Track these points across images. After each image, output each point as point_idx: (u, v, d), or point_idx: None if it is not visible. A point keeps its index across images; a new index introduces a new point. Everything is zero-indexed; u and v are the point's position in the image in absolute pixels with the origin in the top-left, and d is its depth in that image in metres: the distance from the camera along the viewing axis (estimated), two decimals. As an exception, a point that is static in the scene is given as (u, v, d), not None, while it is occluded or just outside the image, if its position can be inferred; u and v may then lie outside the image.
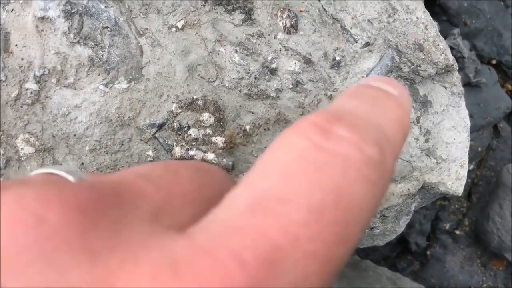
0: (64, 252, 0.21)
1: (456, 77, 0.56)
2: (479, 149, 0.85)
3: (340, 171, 0.25)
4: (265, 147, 0.50)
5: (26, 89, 0.47)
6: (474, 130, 0.79)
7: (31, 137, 0.48)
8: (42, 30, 0.47)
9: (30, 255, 0.21)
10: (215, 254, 0.22)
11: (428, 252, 0.90)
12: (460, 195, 0.56)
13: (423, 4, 0.58)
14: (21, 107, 0.47)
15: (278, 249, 0.23)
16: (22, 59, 0.47)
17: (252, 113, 0.50)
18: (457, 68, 0.55)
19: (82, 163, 0.49)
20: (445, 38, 0.78)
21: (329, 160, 0.26)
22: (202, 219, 0.25)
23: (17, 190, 0.23)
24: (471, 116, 0.60)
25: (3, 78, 0.47)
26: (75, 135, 0.48)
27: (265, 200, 0.24)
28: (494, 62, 0.82)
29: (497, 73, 0.82)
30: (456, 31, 0.78)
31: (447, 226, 0.88)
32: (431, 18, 0.56)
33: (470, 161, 0.61)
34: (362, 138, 0.27)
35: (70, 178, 0.28)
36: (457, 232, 0.89)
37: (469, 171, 0.56)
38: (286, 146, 0.27)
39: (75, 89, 0.47)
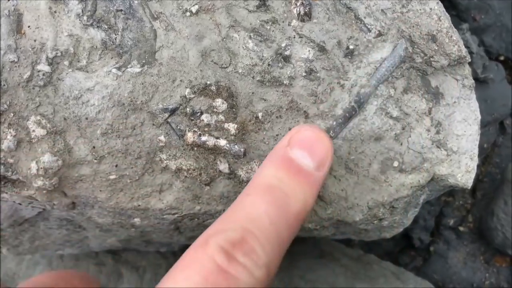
0: None
1: (468, 69, 0.56)
2: (485, 145, 0.85)
3: None
4: (277, 135, 0.50)
5: (38, 71, 0.46)
6: (480, 126, 0.78)
7: (42, 119, 0.47)
8: (55, 12, 0.47)
9: None
10: None
11: (431, 248, 0.89)
12: (469, 188, 0.55)
13: (436, -4, 0.57)
14: (33, 88, 0.47)
15: None
16: (35, 40, 0.46)
17: (265, 100, 0.49)
18: (469, 60, 0.55)
19: (94, 147, 0.48)
20: (454, 33, 0.77)
21: (226, 283, 0.35)
22: None
23: None
24: (477, 112, 0.60)
25: (15, 59, 0.46)
26: (86, 118, 0.48)
27: None
28: (502, 58, 0.82)
29: (504, 69, 0.82)
30: (465, 26, 0.78)
31: (451, 222, 0.88)
32: (444, 10, 0.55)
33: (475, 157, 0.62)
34: (256, 264, 0.37)
35: None
36: (461, 228, 0.88)
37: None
38: (195, 266, 0.36)
39: (88, 72, 0.47)
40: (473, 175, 0.55)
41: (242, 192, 0.43)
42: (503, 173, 0.84)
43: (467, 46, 0.79)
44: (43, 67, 0.46)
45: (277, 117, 0.50)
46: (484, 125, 0.83)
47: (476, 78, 0.79)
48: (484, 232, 0.85)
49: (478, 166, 0.85)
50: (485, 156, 0.87)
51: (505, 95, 0.82)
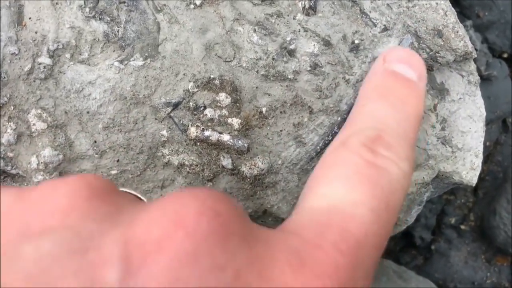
0: (234, 239, 0.27)
1: (473, 65, 0.55)
2: (487, 143, 0.85)
3: (387, 183, 0.35)
4: (281, 131, 0.49)
5: (39, 64, 0.46)
6: (483, 124, 0.78)
7: (43, 113, 0.47)
8: (57, 3, 0.46)
9: (213, 239, 0.26)
10: (323, 247, 0.30)
11: (432, 247, 0.89)
12: (474, 185, 0.55)
13: (442, -9, 0.57)
14: (34, 81, 0.46)
15: (358, 241, 0.31)
16: (36, 32, 0.46)
17: (269, 95, 0.49)
18: (476, 55, 0.54)
19: (95, 141, 0.47)
20: (457, 30, 0.77)
21: (379, 174, 0.35)
22: (291, 219, 0.34)
23: (191, 192, 0.29)
24: (480, 110, 0.60)
25: (16, 51, 0.45)
26: (88, 112, 0.47)
27: (340, 204, 0.33)
28: (505, 55, 0.82)
29: (508, 66, 0.81)
30: (469, 23, 0.77)
31: (453, 220, 0.88)
32: (450, 5, 0.55)
33: (478, 155, 0.61)
34: (398, 157, 0.37)
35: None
36: (463, 227, 0.88)
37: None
38: (344, 163, 0.36)
39: (89, 65, 0.46)
40: (477, 173, 0.55)
41: (355, 105, 0.44)
42: (506, 172, 0.83)
43: (471, 43, 0.78)
44: (44, 59, 0.46)
45: (281, 112, 0.49)
46: (486, 123, 0.82)
47: (479, 76, 0.78)
48: (486, 231, 0.85)
49: (481, 162, 0.85)
50: (488, 154, 0.86)
51: (508, 93, 0.82)
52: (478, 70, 0.78)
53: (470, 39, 0.78)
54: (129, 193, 0.38)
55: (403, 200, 0.37)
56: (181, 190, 0.32)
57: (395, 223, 0.58)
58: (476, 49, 0.77)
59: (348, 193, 0.34)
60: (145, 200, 0.37)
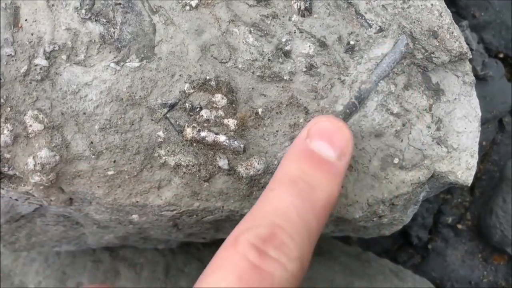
0: None
1: (468, 66, 0.55)
2: (483, 143, 0.85)
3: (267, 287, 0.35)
4: (277, 131, 0.49)
5: (36, 65, 0.46)
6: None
7: (39, 114, 0.47)
8: (53, 5, 0.46)
9: None
10: None
11: (429, 246, 0.89)
12: (469, 185, 0.55)
13: (437, -8, 0.57)
14: (30, 83, 0.46)
15: None
16: (32, 34, 0.46)
17: (265, 96, 0.49)
18: (471, 56, 0.55)
19: (91, 142, 0.48)
20: (453, 30, 0.77)
21: (260, 279, 0.35)
22: None
23: None
24: (476, 109, 0.60)
25: (12, 53, 0.46)
26: (84, 113, 0.47)
27: None
28: (501, 55, 0.82)
29: (504, 66, 0.81)
30: (465, 23, 0.78)
31: (449, 220, 0.88)
32: (445, 6, 0.55)
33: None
34: (288, 257, 0.36)
35: None
36: (459, 226, 0.88)
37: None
38: (228, 266, 0.36)
39: (86, 66, 0.46)
40: (473, 172, 0.55)
41: (266, 188, 0.42)
42: (502, 171, 0.84)
43: (467, 43, 0.78)
44: (41, 61, 0.46)
45: (277, 113, 0.49)
46: (483, 122, 0.82)
47: (475, 75, 0.78)
48: (483, 230, 0.85)
49: (476, 164, 0.85)
50: (484, 153, 0.87)
51: (504, 93, 0.82)
52: (474, 70, 0.78)
53: (466, 39, 0.78)
54: None
55: None
56: None
57: (392, 222, 0.59)
58: (472, 49, 0.78)
59: None
60: None
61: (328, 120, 0.44)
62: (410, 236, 0.88)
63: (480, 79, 0.80)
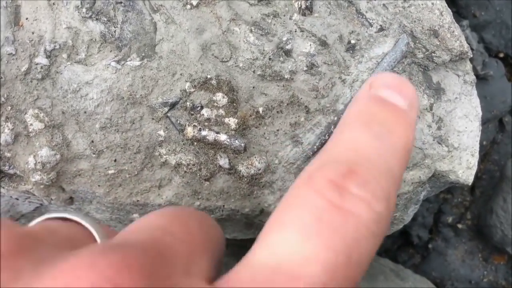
0: None
1: (469, 65, 0.55)
2: (484, 142, 0.85)
3: (352, 230, 0.29)
4: (278, 130, 0.49)
5: (36, 64, 0.46)
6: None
7: (40, 113, 0.47)
8: (53, 4, 0.46)
9: None
10: None
11: (429, 245, 0.89)
12: (470, 184, 0.55)
13: (438, -9, 0.57)
14: (31, 81, 0.46)
15: None
16: (33, 32, 0.46)
17: (266, 94, 0.49)
18: (471, 55, 0.55)
19: (92, 141, 0.48)
20: (453, 29, 0.77)
21: (344, 220, 0.29)
22: (228, 275, 0.29)
23: (89, 257, 0.25)
24: (477, 109, 0.60)
25: (13, 51, 0.46)
26: (85, 112, 0.47)
27: (288, 261, 0.28)
28: (501, 55, 0.82)
29: (504, 66, 0.81)
30: (465, 22, 0.78)
31: (450, 219, 0.88)
32: (446, 5, 0.55)
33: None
34: (373, 195, 0.30)
35: (97, 237, 0.33)
36: (459, 225, 0.88)
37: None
38: (303, 204, 0.30)
39: (86, 65, 0.46)
40: (474, 172, 0.55)
41: (334, 131, 0.37)
42: (502, 171, 0.84)
43: (467, 43, 0.78)
44: (41, 60, 0.46)
45: (278, 112, 0.49)
46: (483, 122, 0.83)
47: (476, 75, 0.78)
48: (483, 230, 0.85)
49: (477, 162, 0.85)
50: (484, 153, 0.87)
51: (505, 92, 0.82)
52: (475, 69, 0.78)
53: (467, 39, 0.78)
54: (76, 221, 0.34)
55: (374, 249, 0.30)
56: (83, 254, 0.26)
57: (392, 222, 0.58)
58: (472, 49, 0.78)
59: (301, 245, 0.28)
60: (90, 229, 0.34)
61: (390, 74, 0.40)
62: (411, 236, 0.88)
63: (481, 79, 0.80)
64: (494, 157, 0.87)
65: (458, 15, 0.81)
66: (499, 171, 0.86)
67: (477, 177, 0.87)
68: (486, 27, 0.81)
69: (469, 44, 0.79)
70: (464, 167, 0.54)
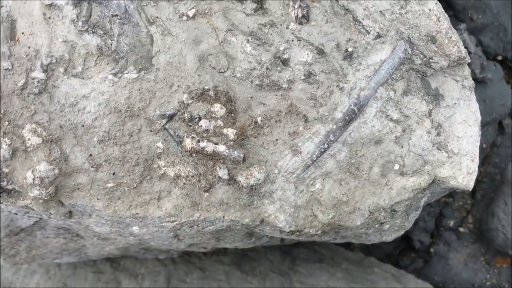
0: None
1: (467, 70, 0.55)
2: (484, 145, 0.85)
3: None
4: (276, 140, 0.49)
5: (33, 78, 0.46)
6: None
7: (38, 128, 0.46)
8: (49, 18, 0.46)
9: None
10: None
11: (431, 250, 0.89)
12: (470, 190, 0.55)
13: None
14: (28, 96, 0.46)
15: None
16: (29, 47, 0.46)
17: (264, 104, 0.49)
18: (469, 60, 0.54)
19: (90, 155, 0.47)
20: (451, 33, 0.77)
21: None
22: None
23: None
24: (476, 112, 0.60)
25: (9, 66, 0.45)
26: (83, 126, 0.47)
27: None
28: (499, 58, 0.82)
29: (502, 69, 0.81)
30: (463, 26, 0.78)
31: (451, 223, 0.88)
32: (443, 10, 0.55)
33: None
34: None
35: None
36: (461, 229, 0.88)
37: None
38: None
39: (83, 78, 0.46)
40: (474, 177, 0.55)
41: None
42: (503, 173, 0.83)
43: (465, 46, 0.78)
44: (38, 74, 0.46)
45: (276, 121, 0.49)
46: (483, 125, 0.82)
47: (474, 78, 0.78)
48: (485, 233, 0.85)
49: (477, 167, 0.85)
50: (485, 156, 0.87)
51: (504, 95, 0.82)
52: (473, 73, 0.78)
53: (464, 42, 0.78)
54: None
55: None
56: None
57: (393, 228, 0.58)
58: (470, 53, 0.78)
59: None
60: None
61: None
62: (412, 240, 0.88)
63: (479, 82, 0.80)
64: (495, 160, 0.87)
65: (456, 18, 0.81)
66: (499, 174, 0.86)
67: (477, 180, 0.86)
68: (484, 30, 0.81)
69: (467, 47, 0.79)
70: (464, 172, 0.54)
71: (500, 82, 0.82)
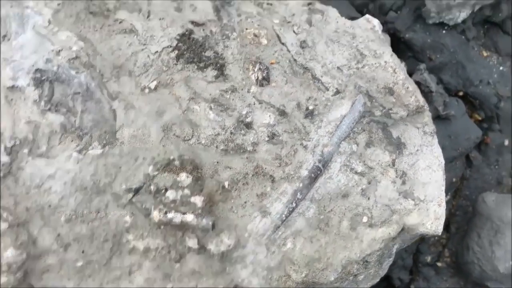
0: None
1: (427, 116, 0.57)
2: (453, 179, 0.86)
3: None
4: (245, 202, 0.50)
5: (-3, 162, 0.46)
6: (447, 161, 0.80)
7: (4, 212, 0.46)
8: (11, 100, 0.46)
9: None
10: None
11: (411, 286, 0.89)
12: (439, 234, 0.56)
13: (390, 48, 0.59)
14: (-8, 180, 0.46)
15: None
16: (-8, 131, 0.46)
17: (230, 168, 0.49)
18: (428, 108, 0.56)
19: (59, 234, 0.47)
20: (412, 73, 0.79)
21: None
22: None
23: None
24: (443, 148, 0.61)
25: (-28, 152, 0.45)
26: (49, 206, 0.47)
27: None
28: (461, 93, 0.84)
29: (464, 104, 0.83)
30: (423, 66, 0.80)
31: (428, 258, 0.89)
32: (399, 61, 0.57)
33: (445, 192, 0.62)
34: None
35: None
36: (439, 264, 0.89)
37: (445, 202, 0.57)
38: None
39: (48, 157, 0.46)
40: (442, 221, 0.56)
41: None
42: (474, 206, 0.85)
43: (426, 86, 0.81)
44: (2, 157, 0.46)
45: (243, 184, 0.50)
46: (450, 160, 0.84)
47: (438, 116, 0.80)
48: (462, 267, 0.85)
49: (449, 200, 0.87)
50: (455, 189, 0.88)
51: (468, 129, 0.84)
52: (436, 110, 0.80)
53: (425, 81, 0.80)
54: None
55: None
56: None
57: (368, 278, 0.59)
58: (432, 91, 0.80)
59: None
60: None
61: None
62: (392, 279, 0.88)
63: (443, 119, 0.82)
64: (465, 193, 0.88)
65: (415, 59, 0.83)
66: (471, 206, 0.87)
67: (450, 213, 0.88)
68: (443, 68, 0.83)
69: (428, 86, 0.81)
70: (432, 218, 0.55)
71: (463, 117, 0.84)
